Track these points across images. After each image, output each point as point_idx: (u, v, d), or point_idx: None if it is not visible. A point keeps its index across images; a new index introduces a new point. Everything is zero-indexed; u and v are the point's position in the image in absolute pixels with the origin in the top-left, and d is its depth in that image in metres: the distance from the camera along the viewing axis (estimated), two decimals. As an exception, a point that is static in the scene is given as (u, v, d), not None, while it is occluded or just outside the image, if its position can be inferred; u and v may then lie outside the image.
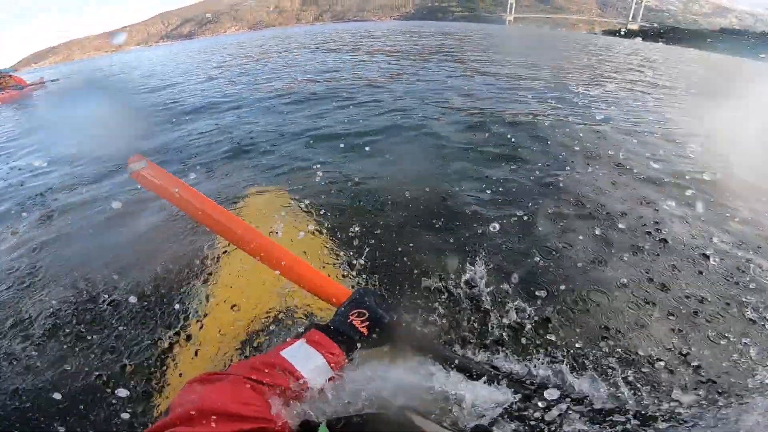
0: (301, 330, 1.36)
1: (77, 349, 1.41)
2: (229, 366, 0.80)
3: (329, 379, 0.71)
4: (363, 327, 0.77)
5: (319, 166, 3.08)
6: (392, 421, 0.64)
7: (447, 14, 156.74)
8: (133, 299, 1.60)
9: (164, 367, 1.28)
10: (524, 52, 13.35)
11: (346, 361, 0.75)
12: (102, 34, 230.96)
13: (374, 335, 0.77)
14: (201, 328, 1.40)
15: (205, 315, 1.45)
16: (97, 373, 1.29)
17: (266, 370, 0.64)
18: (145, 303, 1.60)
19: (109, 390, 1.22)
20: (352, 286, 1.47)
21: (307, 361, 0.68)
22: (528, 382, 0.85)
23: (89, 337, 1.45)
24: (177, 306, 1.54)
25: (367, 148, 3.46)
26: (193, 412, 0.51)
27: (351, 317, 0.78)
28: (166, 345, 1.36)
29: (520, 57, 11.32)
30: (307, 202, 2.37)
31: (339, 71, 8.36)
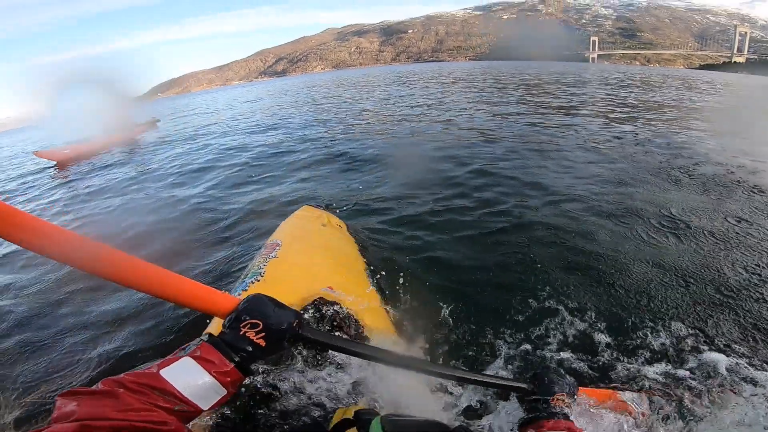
0: (192, 344, 1.33)
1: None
2: None
3: (223, 398, 0.65)
4: (259, 338, 0.68)
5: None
6: None
7: (521, 53, 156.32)
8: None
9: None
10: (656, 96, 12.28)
11: (244, 378, 0.68)
12: (214, 69, 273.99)
13: (273, 345, 0.70)
14: None
15: None
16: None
17: (142, 391, 0.57)
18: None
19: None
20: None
21: (190, 381, 0.61)
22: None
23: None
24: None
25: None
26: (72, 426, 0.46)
27: (243, 329, 0.69)
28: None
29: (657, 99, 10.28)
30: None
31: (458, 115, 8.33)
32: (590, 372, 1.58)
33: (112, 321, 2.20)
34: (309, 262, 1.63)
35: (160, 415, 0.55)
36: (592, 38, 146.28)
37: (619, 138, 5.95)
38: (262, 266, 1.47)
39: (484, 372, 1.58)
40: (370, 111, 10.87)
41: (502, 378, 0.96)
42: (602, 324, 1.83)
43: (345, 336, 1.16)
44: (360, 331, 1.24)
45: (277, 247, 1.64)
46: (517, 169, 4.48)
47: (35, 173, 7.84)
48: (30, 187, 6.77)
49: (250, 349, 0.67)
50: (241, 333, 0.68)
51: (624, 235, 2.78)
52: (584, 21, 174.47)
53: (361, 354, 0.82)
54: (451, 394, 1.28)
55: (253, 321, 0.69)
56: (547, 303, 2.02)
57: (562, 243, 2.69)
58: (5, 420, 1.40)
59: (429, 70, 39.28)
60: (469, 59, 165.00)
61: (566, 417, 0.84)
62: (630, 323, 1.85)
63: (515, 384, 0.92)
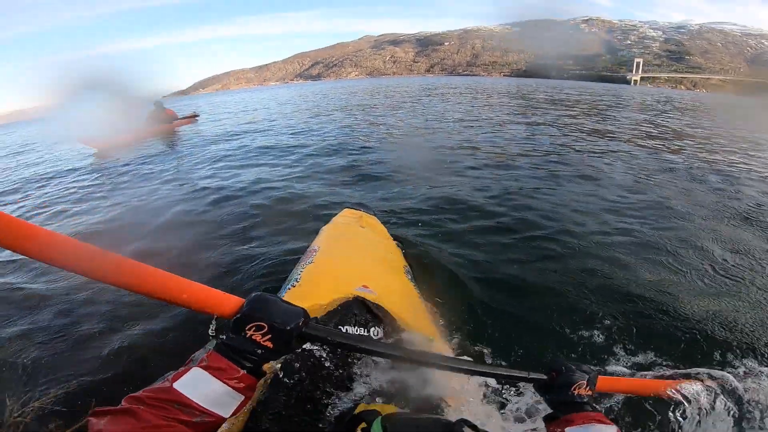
0: (198, 353, 1.27)
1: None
2: None
3: (243, 402, 0.63)
4: (266, 341, 0.65)
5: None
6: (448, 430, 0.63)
7: (562, 72, 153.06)
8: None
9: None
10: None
11: (259, 380, 0.67)
12: (253, 68, 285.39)
13: (281, 346, 0.67)
14: None
15: None
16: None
17: (161, 406, 0.56)
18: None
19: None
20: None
21: (204, 391, 0.59)
22: None
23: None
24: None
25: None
26: None
27: (249, 332, 0.66)
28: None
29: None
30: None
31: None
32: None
33: (123, 319, 2.16)
34: (345, 263, 1.63)
35: (179, 429, 0.55)
36: (636, 60, 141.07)
37: (671, 169, 5.58)
38: (299, 272, 1.49)
39: (499, 364, 1.65)
40: (404, 121, 10.91)
41: (516, 369, 0.91)
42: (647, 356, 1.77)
43: (375, 334, 1.16)
44: (396, 326, 1.24)
45: (314, 253, 1.66)
46: (557, 193, 4.34)
47: (76, 159, 8.19)
48: (70, 170, 7.09)
49: (259, 352, 0.65)
50: (247, 336, 0.66)
51: (675, 274, 2.60)
52: (629, 42, 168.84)
53: (371, 351, 0.80)
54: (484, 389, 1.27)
55: (258, 323, 0.66)
56: (588, 334, 1.95)
57: (606, 273, 2.58)
58: (13, 422, 1.39)
59: (463, 84, 39.22)
60: (504, 75, 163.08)
61: (593, 408, 0.83)
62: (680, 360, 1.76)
63: (531, 375, 0.89)
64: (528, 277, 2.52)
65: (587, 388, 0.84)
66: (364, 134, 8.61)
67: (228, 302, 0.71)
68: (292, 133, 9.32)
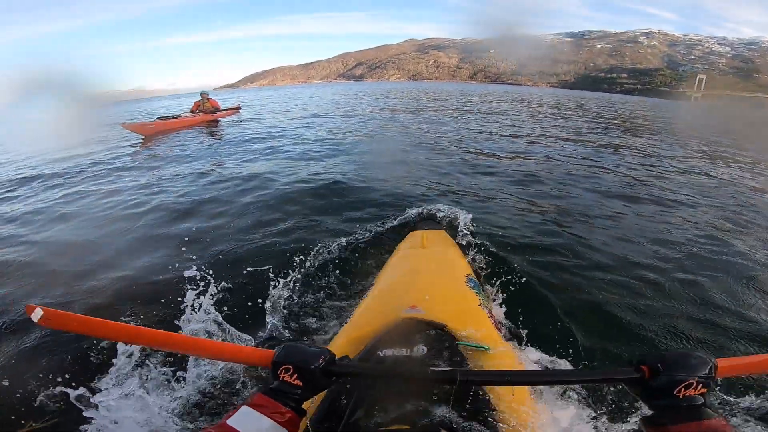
0: (246, 394, 1.40)
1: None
2: None
3: None
4: (295, 380, 0.77)
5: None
6: None
7: (614, 86, 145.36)
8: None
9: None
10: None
11: (301, 417, 0.76)
12: (299, 66, 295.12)
13: (309, 384, 0.78)
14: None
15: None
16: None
17: None
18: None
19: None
20: None
21: (255, 426, 0.69)
22: None
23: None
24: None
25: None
26: None
27: (282, 375, 0.77)
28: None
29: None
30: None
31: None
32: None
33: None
34: (396, 290, 1.59)
35: None
36: (699, 76, 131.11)
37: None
38: (352, 310, 1.56)
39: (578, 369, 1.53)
40: (455, 130, 10.27)
41: (598, 372, 0.80)
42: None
43: (419, 352, 1.06)
44: (443, 340, 1.14)
45: (370, 288, 1.71)
46: (626, 217, 4.02)
47: (123, 146, 8.21)
48: (116, 157, 7.08)
49: (295, 391, 0.76)
50: (282, 379, 0.77)
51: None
52: (692, 57, 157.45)
53: (400, 375, 0.83)
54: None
55: (286, 366, 0.77)
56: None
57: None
58: None
59: (509, 93, 37.76)
60: (550, 86, 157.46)
61: (708, 413, 0.61)
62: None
63: (617, 376, 0.73)
64: (600, 291, 2.41)
65: (700, 387, 0.63)
66: (415, 142, 8.07)
67: (264, 354, 0.84)
68: (338, 139, 8.39)
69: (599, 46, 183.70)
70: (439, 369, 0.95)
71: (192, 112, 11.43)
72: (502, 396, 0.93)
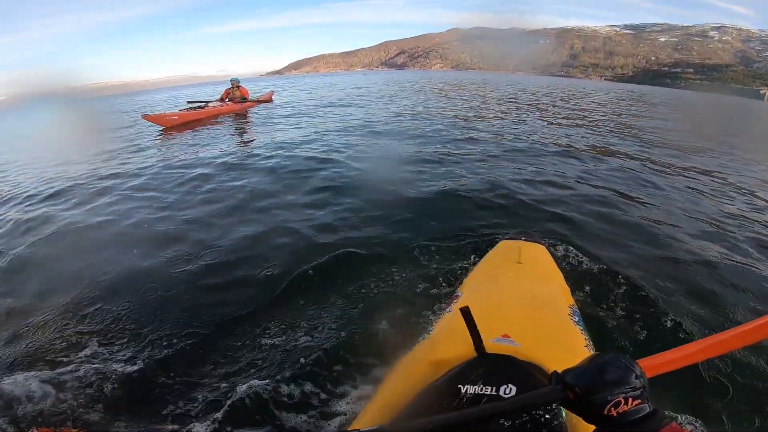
0: None
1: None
2: None
3: None
4: None
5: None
6: None
7: (678, 81, 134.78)
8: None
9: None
10: None
11: None
12: (341, 54, 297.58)
13: None
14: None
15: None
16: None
17: None
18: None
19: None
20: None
21: None
22: None
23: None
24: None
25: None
26: None
27: None
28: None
29: None
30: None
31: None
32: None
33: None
34: (486, 309, 1.38)
35: None
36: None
37: None
38: (434, 323, 1.38)
39: None
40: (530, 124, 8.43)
41: (529, 394, 0.63)
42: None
43: (506, 392, 0.86)
44: (540, 382, 0.98)
45: (456, 300, 1.50)
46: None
47: (142, 136, 7.81)
48: (137, 150, 6.40)
49: None
50: None
51: None
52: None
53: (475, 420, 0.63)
54: None
55: None
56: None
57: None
58: None
59: (560, 86, 31.42)
60: (605, 79, 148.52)
61: (661, 419, 0.50)
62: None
63: (548, 398, 0.59)
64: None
65: (632, 402, 0.51)
66: (470, 137, 6.42)
67: None
68: (386, 135, 6.75)
69: (663, 39, 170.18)
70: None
71: (221, 100, 10.59)
72: None
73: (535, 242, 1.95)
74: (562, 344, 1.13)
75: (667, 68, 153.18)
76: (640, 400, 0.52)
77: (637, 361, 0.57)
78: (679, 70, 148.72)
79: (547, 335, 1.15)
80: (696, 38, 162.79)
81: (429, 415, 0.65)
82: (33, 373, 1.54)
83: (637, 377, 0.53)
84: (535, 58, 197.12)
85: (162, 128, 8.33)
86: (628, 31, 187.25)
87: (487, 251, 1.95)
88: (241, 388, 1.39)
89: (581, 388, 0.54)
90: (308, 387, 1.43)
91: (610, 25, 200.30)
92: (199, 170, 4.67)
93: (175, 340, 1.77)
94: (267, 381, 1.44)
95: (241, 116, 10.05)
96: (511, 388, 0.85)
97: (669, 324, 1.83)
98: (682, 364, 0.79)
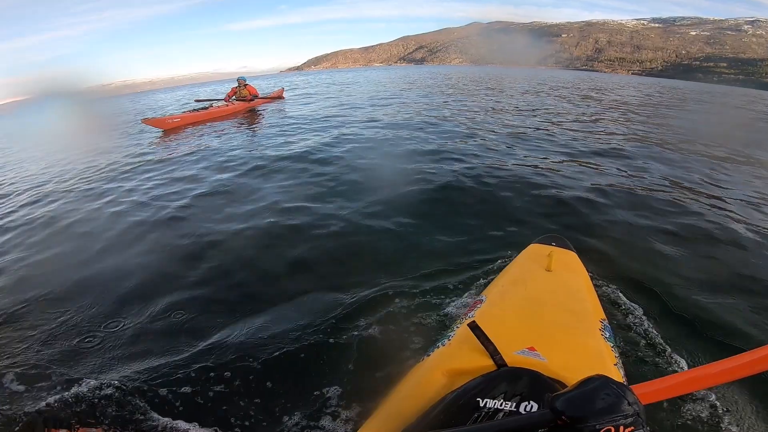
0: None
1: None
2: None
3: None
4: None
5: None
6: None
7: (710, 75, 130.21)
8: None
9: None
10: None
11: None
12: (360, 49, 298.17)
13: None
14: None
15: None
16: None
17: None
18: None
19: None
20: None
21: None
22: None
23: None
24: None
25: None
26: None
27: None
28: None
29: None
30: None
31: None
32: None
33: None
34: (512, 318, 1.31)
35: None
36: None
37: None
38: (454, 329, 1.27)
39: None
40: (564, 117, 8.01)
41: (512, 419, 0.61)
42: None
43: (527, 409, 0.78)
44: None
45: (479, 305, 1.42)
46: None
47: (141, 138, 7.69)
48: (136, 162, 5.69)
49: None
50: None
51: None
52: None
53: None
54: None
55: None
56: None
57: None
58: None
59: (586, 80, 29.25)
60: (632, 73, 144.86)
61: None
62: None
63: (531, 421, 0.57)
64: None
65: (625, 430, 0.50)
66: (483, 138, 5.92)
67: None
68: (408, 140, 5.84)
69: (693, 33, 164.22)
70: None
71: (226, 100, 10.01)
72: None
73: (567, 248, 1.84)
74: (591, 361, 1.06)
75: (698, 62, 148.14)
76: (633, 428, 0.50)
77: (637, 385, 0.59)
78: (711, 64, 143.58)
79: (575, 351, 1.08)
80: (729, 32, 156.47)
81: (446, 428, 0.67)
82: (44, 374, 1.56)
83: (629, 404, 0.51)
84: (557, 52, 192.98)
85: (161, 131, 8.11)
86: (657, 25, 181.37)
87: (513, 256, 1.90)
88: (243, 392, 1.42)
89: (568, 416, 0.52)
90: (308, 388, 1.42)
91: (637, 19, 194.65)
92: (187, 171, 4.66)
93: (183, 345, 1.74)
94: (267, 381, 1.45)
95: (249, 115, 9.78)
96: (533, 405, 0.78)
97: (707, 345, 1.69)
98: (687, 390, 0.74)
